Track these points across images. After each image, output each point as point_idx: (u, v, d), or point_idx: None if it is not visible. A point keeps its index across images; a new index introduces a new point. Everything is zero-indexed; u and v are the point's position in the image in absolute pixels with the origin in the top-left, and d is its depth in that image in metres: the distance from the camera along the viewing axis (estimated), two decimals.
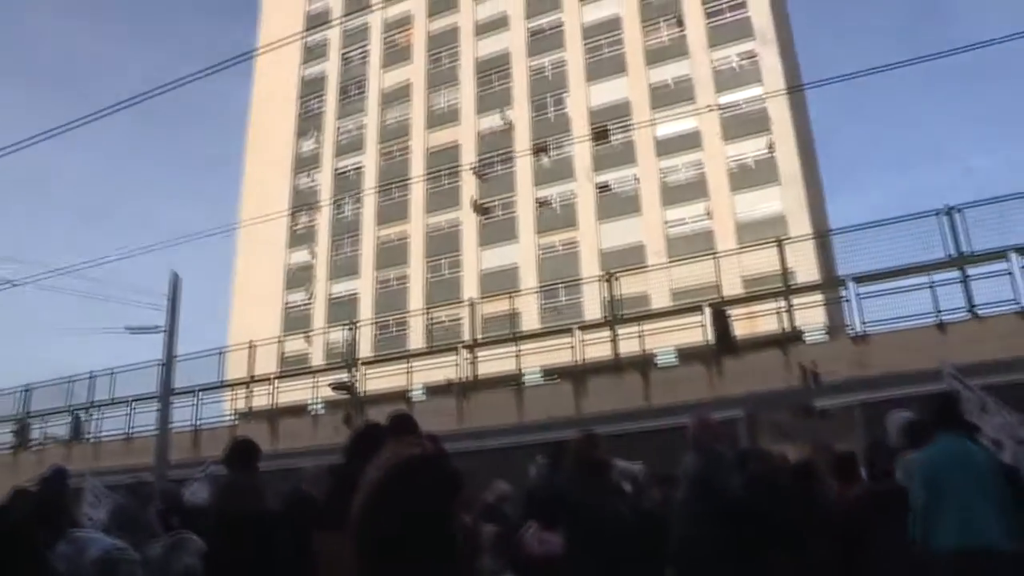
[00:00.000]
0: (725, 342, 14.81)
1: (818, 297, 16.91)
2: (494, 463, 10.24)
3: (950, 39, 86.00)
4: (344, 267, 42.63)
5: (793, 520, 5.07)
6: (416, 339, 24.32)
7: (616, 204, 36.99)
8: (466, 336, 19.58)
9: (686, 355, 17.54)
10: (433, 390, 19.50)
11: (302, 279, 43.55)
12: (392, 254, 41.48)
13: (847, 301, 14.40)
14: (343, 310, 38.58)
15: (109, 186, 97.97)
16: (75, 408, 23.24)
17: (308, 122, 47.14)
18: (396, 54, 45.73)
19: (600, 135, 37.17)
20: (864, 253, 14.28)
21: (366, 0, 43.67)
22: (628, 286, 17.77)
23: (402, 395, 18.78)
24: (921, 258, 13.75)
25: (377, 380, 19.51)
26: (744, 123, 35.11)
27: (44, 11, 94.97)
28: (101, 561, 3.60)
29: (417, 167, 41.48)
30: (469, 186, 40.17)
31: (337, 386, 19.15)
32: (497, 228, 39.25)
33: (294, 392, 21.23)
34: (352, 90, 46.45)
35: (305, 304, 42.88)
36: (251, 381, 21.05)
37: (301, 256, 44.02)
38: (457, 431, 14.67)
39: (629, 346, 16.30)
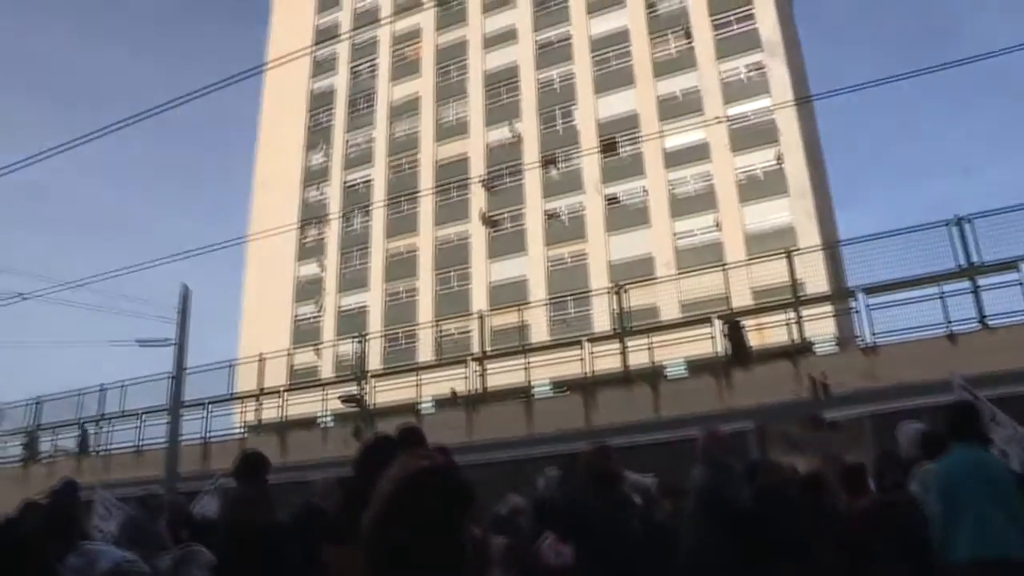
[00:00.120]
0: (740, 354, 14.77)
1: (828, 308, 16.82)
2: (504, 475, 10.23)
3: (961, 50, 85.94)
4: (353, 280, 42.72)
5: (802, 531, 5.04)
6: (425, 351, 24.30)
7: (625, 216, 37.01)
8: (475, 348, 19.59)
9: (696, 367, 17.51)
10: (442, 402, 19.49)
11: (311, 291, 43.65)
12: (401, 266, 41.56)
13: (857, 312, 14.31)
14: (352, 322, 38.59)
15: (119, 199, 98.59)
16: (85, 421, 23.27)
17: (317, 135, 47.37)
18: (405, 67, 45.95)
19: (608, 147, 37.23)
20: (873, 264, 14.26)
21: (375, 14, 43.95)
22: (637, 298, 17.78)
23: (411, 407, 18.80)
24: (931, 269, 13.69)
25: (386, 392, 19.50)
26: (752, 135, 35.11)
27: (56, 30, 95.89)
28: (112, 573, 3.61)
29: (426, 180, 41.63)
30: (478, 198, 40.26)
31: (346, 399, 19.13)
32: (506, 240, 39.31)
33: (303, 405, 21.21)
34: (361, 103, 46.67)
35: (314, 317, 42.96)
36: (261, 394, 21.08)
37: (310, 269, 44.15)
38: (466, 443, 14.63)
39: (638, 358, 16.26)
